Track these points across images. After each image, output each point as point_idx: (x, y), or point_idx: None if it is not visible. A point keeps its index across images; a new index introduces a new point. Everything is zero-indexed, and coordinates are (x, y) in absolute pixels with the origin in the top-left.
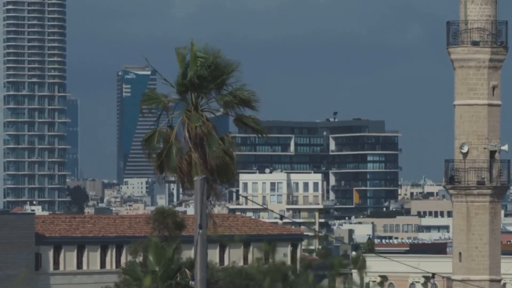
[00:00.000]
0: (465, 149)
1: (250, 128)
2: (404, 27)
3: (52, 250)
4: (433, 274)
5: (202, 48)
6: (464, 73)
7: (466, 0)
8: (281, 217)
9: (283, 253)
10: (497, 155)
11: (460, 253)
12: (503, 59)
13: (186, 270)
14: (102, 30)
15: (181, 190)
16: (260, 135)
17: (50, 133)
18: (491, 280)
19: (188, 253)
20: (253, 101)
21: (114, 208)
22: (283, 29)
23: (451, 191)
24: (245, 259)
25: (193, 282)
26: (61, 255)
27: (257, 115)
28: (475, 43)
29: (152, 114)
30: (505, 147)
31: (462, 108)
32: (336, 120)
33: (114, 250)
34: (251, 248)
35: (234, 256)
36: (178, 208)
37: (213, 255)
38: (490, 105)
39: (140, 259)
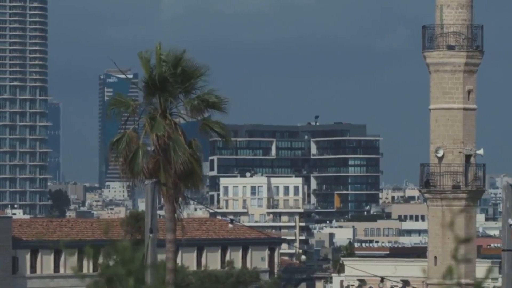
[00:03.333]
0: (440, 153)
1: (216, 133)
2: (388, 32)
3: (29, 254)
4: (382, 278)
5: (169, 51)
6: (440, 77)
7: (442, 4)
8: (231, 221)
9: (260, 257)
10: (472, 159)
11: (435, 257)
12: (478, 63)
13: None
14: (85, 33)
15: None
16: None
17: (31, 137)
18: (466, 285)
19: (160, 257)
20: (222, 105)
21: (95, 212)
22: (267, 33)
23: (426, 195)
24: (222, 263)
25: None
26: (38, 258)
27: (237, 119)
28: (450, 47)
29: (119, 118)
30: (481, 151)
31: (437, 112)
32: (317, 124)
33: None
34: (228, 252)
35: (211, 260)
36: (159, 212)
37: (191, 258)
38: (465, 109)
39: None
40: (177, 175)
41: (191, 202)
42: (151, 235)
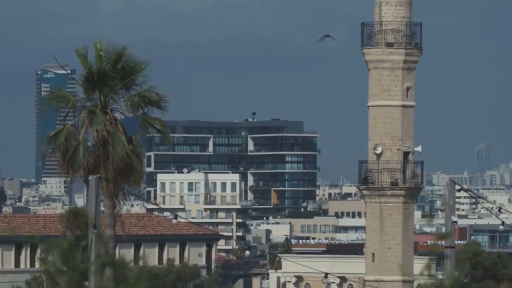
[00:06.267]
0: (378, 150)
1: (155, 130)
2: (326, 29)
3: None
4: (326, 274)
5: (108, 47)
6: (378, 74)
7: (381, 1)
8: (175, 216)
9: (198, 253)
10: (410, 156)
11: (373, 254)
12: (417, 61)
13: None
14: (21, 29)
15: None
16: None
17: None
18: (404, 281)
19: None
20: (162, 102)
21: (32, 207)
22: (205, 31)
23: (364, 192)
24: (160, 259)
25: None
26: None
27: (174, 116)
28: (389, 45)
29: (58, 113)
30: (419, 148)
31: (376, 109)
32: (254, 120)
33: (28, 249)
34: (166, 248)
35: (149, 256)
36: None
37: (128, 254)
38: (404, 106)
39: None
40: (117, 171)
41: (130, 197)
42: (95, 230)
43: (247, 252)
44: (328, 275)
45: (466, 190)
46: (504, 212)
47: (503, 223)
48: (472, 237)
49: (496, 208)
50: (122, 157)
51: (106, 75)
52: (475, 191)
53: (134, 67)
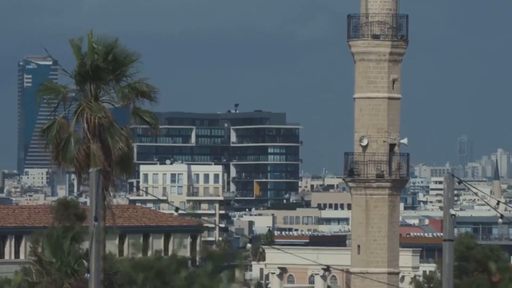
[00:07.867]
0: (364, 142)
1: (145, 122)
2: (310, 21)
3: None
4: (328, 267)
5: (99, 39)
6: (365, 66)
7: None
8: (176, 209)
9: (182, 245)
10: (396, 148)
11: (358, 246)
12: (403, 53)
13: (84, 261)
14: (5, 19)
15: (78, 181)
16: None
17: None
18: (389, 273)
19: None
20: (152, 93)
21: (14, 198)
22: (189, 22)
23: (350, 184)
24: (145, 250)
25: (88, 275)
26: None
27: (156, 107)
28: (375, 37)
29: (49, 105)
30: (405, 141)
31: (362, 101)
32: (237, 112)
33: (13, 241)
34: (150, 239)
35: (134, 247)
36: (78, 199)
37: (113, 246)
38: (390, 98)
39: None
40: (113, 162)
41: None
42: (95, 223)
43: (249, 245)
44: (313, 267)
45: (465, 183)
46: (486, 203)
47: (502, 216)
48: (456, 229)
49: (478, 199)
50: (122, 148)
51: (98, 67)
52: (457, 183)
53: (125, 59)
